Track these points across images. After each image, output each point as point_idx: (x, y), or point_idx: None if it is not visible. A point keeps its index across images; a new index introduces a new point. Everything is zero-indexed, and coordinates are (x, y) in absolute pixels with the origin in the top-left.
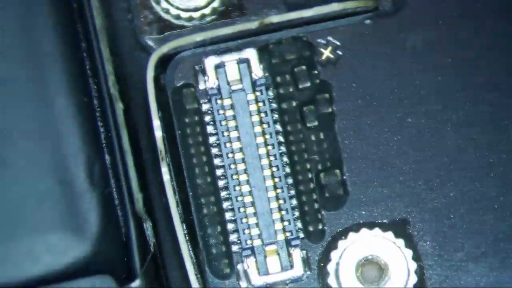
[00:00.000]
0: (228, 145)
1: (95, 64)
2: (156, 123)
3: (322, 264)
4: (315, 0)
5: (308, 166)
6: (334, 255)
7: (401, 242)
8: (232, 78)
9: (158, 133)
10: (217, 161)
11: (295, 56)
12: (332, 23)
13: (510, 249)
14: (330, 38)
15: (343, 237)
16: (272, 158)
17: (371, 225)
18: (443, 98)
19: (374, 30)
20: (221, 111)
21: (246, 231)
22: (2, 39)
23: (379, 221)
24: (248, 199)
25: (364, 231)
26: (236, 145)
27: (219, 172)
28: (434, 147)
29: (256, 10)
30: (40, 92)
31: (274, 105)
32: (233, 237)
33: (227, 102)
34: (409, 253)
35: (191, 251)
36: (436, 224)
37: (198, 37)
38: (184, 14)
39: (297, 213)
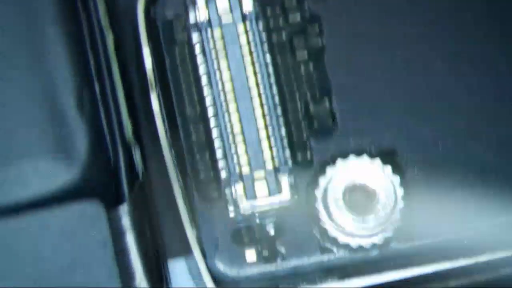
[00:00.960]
0: (217, 74)
1: None
2: (146, 51)
3: (310, 190)
4: None
5: (297, 95)
6: (322, 181)
7: (388, 169)
8: (223, 10)
9: (148, 63)
10: (206, 90)
11: None
12: None
13: (496, 179)
14: None
15: (331, 164)
16: (261, 87)
17: (359, 153)
18: (433, 31)
19: None
20: (211, 42)
21: (235, 158)
22: None
23: (367, 150)
24: (237, 127)
25: (352, 158)
26: (226, 75)
27: (208, 101)
28: (423, 80)
29: None
30: (30, 21)
31: (264, 37)
32: (221, 164)
33: (217, 33)
34: (396, 180)
35: (179, 177)
36: (424, 153)
37: None
38: None
39: (285, 142)
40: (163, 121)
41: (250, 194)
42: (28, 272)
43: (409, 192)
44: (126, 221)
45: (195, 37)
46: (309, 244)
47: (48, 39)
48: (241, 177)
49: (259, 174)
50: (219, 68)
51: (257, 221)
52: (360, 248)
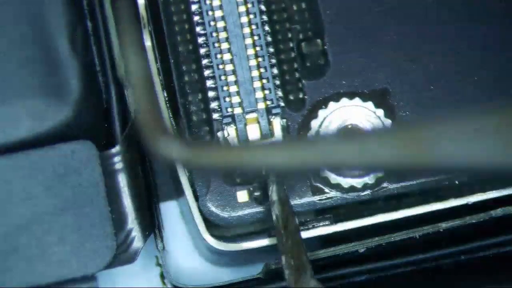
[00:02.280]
0: (210, 13)
1: None
2: None
3: (301, 133)
4: None
5: (290, 35)
6: (314, 124)
7: (381, 112)
8: None
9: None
10: (199, 29)
11: None
12: None
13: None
14: None
15: (323, 106)
16: (253, 26)
17: (351, 95)
18: None
19: None
20: None
21: (227, 99)
22: None
23: (360, 91)
24: (229, 67)
25: (344, 100)
26: (218, 13)
27: (200, 40)
28: (416, 19)
29: None
30: None
31: None
32: (213, 105)
33: None
34: (388, 123)
35: (171, 118)
36: (416, 95)
37: None
38: None
39: (278, 82)
40: (156, 61)
41: (243, 137)
42: (19, 213)
43: None
44: (118, 162)
45: None
46: (301, 184)
47: None
48: (233, 118)
49: (251, 116)
50: (211, 6)
51: None
52: (352, 188)
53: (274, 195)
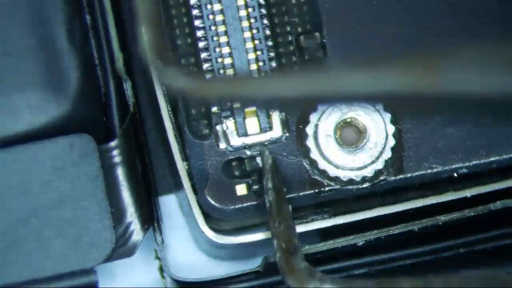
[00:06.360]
0: (208, 6)
1: None
2: None
3: (300, 126)
4: None
5: (288, 28)
6: (313, 117)
7: (379, 105)
8: None
9: None
10: (197, 23)
11: None
12: None
13: (488, 113)
14: None
15: None
16: (252, 20)
17: None
18: None
19: None
20: None
21: None
22: None
23: None
24: (228, 60)
25: None
26: (217, 6)
27: (199, 33)
28: (414, 11)
29: None
30: None
31: None
32: None
33: None
34: (387, 116)
35: (170, 112)
36: None
37: None
38: None
39: None
40: None
41: (241, 131)
42: (18, 206)
43: (400, 127)
44: (117, 155)
45: None
46: (300, 177)
47: None
48: (232, 112)
49: (250, 110)
50: (210, 0)
51: (248, 153)
52: (350, 181)
53: (269, 183)
